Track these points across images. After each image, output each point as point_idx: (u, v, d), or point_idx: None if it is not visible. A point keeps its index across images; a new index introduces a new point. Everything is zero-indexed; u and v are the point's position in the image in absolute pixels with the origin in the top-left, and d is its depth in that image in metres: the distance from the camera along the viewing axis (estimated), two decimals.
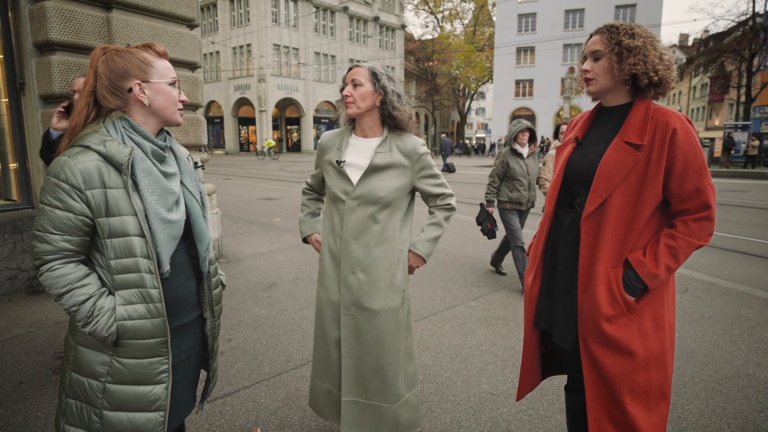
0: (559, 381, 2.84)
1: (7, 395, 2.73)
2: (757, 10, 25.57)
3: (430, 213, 2.10)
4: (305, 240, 2.26)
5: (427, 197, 2.07)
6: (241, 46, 37.90)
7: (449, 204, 2.07)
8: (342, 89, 1.99)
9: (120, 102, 1.40)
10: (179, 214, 1.44)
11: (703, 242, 1.60)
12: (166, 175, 1.44)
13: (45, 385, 2.84)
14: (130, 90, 1.39)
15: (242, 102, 39.23)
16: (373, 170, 1.92)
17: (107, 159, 1.32)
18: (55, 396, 2.73)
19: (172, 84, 1.46)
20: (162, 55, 1.46)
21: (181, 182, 1.51)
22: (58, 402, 1.48)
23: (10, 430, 2.42)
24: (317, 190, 2.29)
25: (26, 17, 4.32)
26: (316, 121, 41.23)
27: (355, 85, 1.91)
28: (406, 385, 2.06)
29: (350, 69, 1.96)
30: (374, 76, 1.90)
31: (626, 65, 1.59)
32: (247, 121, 40.46)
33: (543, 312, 1.84)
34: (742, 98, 26.76)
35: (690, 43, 54.56)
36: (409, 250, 2.05)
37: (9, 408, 2.61)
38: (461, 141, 48.32)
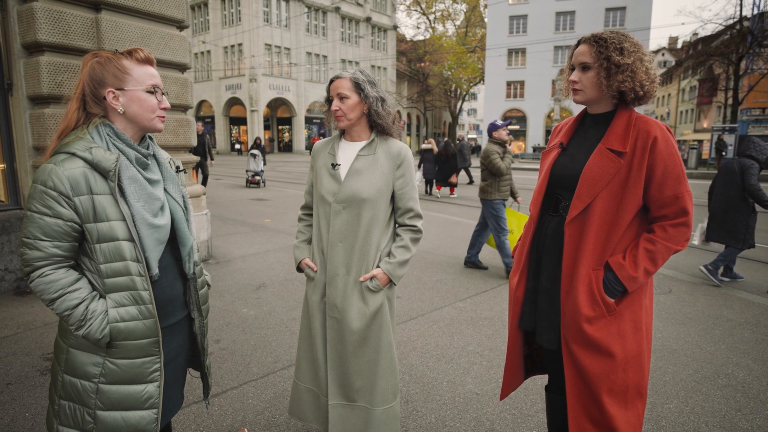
0: (542, 381, 2.89)
1: None
2: (744, 14, 25.84)
3: (397, 235, 2.07)
4: (299, 267, 2.15)
5: (397, 209, 2.05)
6: (233, 46, 37.71)
7: (416, 226, 2.04)
8: (327, 99, 2.04)
9: (100, 109, 1.43)
10: (165, 219, 1.47)
11: (680, 247, 1.66)
12: (151, 182, 1.47)
13: (33, 387, 2.84)
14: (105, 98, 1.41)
15: (233, 102, 39.03)
16: (355, 172, 1.97)
17: (93, 166, 1.35)
18: (43, 397, 2.73)
19: (152, 91, 1.46)
20: (143, 61, 1.45)
21: (164, 188, 1.53)
22: (49, 404, 1.50)
23: None
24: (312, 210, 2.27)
25: (14, 18, 4.30)
26: (308, 121, 41.14)
27: (341, 98, 1.95)
28: (392, 392, 2.07)
29: (332, 81, 1.99)
30: (357, 86, 1.95)
31: (615, 81, 1.64)
32: (239, 121, 40.27)
33: (528, 313, 1.88)
34: (730, 101, 27.07)
35: (679, 45, 55.20)
36: (379, 267, 1.99)
37: None
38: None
